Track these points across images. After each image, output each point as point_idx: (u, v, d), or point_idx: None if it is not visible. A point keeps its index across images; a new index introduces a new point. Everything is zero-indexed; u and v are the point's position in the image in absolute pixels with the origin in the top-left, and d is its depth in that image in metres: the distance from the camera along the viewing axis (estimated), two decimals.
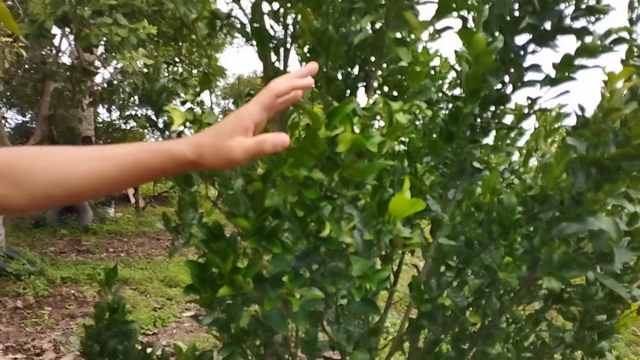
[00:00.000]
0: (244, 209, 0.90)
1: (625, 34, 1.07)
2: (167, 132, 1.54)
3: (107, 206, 9.26)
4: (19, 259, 5.35)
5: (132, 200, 10.34)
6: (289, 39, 1.37)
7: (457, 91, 1.53)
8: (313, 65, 0.77)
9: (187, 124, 1.33)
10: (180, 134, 1.47)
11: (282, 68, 1.39)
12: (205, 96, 1.67)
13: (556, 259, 1.02)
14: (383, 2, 0.95)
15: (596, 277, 1.11)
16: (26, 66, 7.61)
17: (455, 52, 1.38)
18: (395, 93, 1.38)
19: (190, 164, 0.69)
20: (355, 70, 1.21)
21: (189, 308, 4.84)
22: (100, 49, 6.14)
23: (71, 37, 6.07)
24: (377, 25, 1.09)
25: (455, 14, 1.12)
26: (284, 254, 0.88)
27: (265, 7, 1.36)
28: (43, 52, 7.33)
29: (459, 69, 1.24)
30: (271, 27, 1.37)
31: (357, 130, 0.83)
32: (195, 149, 0.69)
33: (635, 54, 1.17)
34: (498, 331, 1.27)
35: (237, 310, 1.04)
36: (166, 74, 6.74)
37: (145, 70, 4.57)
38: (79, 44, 4.64)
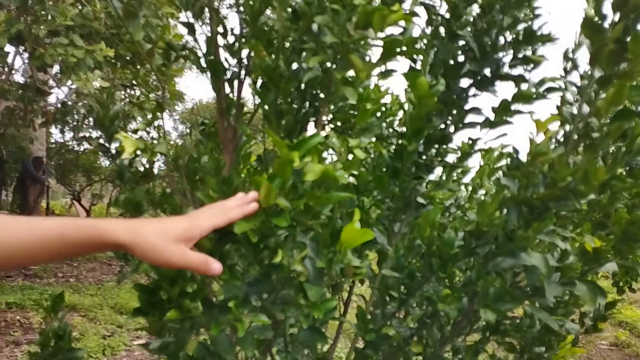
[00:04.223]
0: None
1: (557, 83, 1.15)
2: (118, 160, 1.54)
3: None
4: None
5: None
6: (243, 72, 1.40)
7: (405, 128, 1.60)
8: (255, 194, 0.82)
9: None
10: (132, 161, 1.47)
11: (235, 99, 1.42)
12: (162, 121, 1.70)
13: (492, 292, 1.07)
14: (330, 44, 0.99)
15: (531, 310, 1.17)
16: None
17: (405, 90, 1.45)
18: (345, 127, 1.43)
19: (120, 246, 0.69)
20: (306, 106, 1.25)
21: (140, 336, 4.73)
22: (55, 68, 6.05)
23: (25, 55, 5.97)
24: (327, 64, 1.14)
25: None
26: (232, 280, 0.90)
27: (221, 39, 1.39)
28: None
29: (407, 107, 1.30)
30: (225, 59, 1.40)
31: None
32: (131, 234, 0.68)
33: (570, 100, 1.25)
34: None
35: (184, 335, 1.05)
36: (123, 97, 6.67)
37: (100, 91, 4.53)
38: (33, 64, 4.57)
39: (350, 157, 1.19)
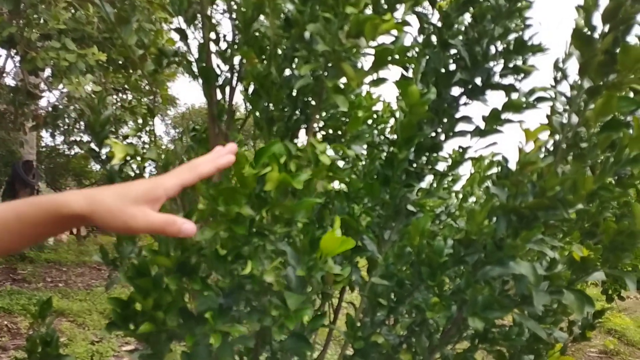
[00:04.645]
0: (164, 248, 0.91)
1: (547, 93, 1.16)
2: (109, 164, 1.53)
3: None
4: None
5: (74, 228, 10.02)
6: (234, 78, 1.40)
7: (396, 136, 1.60)
8: (233, 145, 0.77)
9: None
10: (122, 167, 1.47)
11: (226, 106, 1.42)
12: (153, 125, 1.69)
13: (480, 300, 1.08)
14: (322, 52, 1.00)
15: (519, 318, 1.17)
16: None
17: (397, 98, 1.45)
18: (336, 134, 1.44)
19: (79, 218, 0.63)
20: (297, 113, 1.25)
21: (129, 342, 4.69)
22: (47, 72, 6.02)
23: (17, 58, 5.94)
24: (319, 72, 1.14)
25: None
26: (204, 290, 0.90)
27: (213, 46, 1.39)
28: None
29: (398, 115, 1.31)
30: (218, 66, 1.40)
31: (292, 170, 0.86)
32: (88, 202, 0.63)
33: (559, 110, 1.26)
34: None
35: (161, 346, 1.04)
36: (115, 101, 6.66)
37: (93, 96, 4.52)
38: (24, 67, 4.55)
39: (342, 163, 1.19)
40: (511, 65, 1.23)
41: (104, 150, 1.51)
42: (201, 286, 0.87)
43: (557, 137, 1.10)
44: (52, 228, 0.64)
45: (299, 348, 1.06)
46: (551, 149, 1.15)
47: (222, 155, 0.75)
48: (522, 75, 1.23)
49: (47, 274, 7.08)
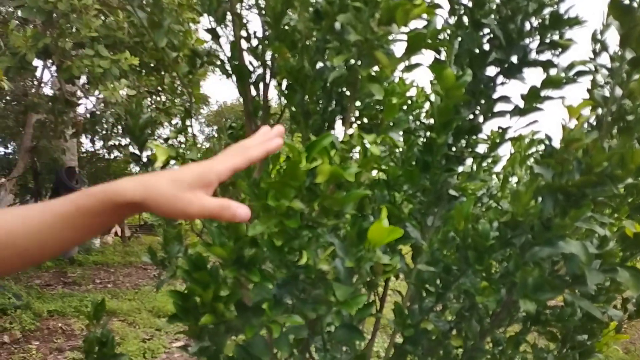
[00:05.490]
0: (219, 240, 0.93)
1: (587, 66, 1.12)
2: (150, 167, 1.56)
3: None
4: (4, 292, 5.27)
5: (119, 230, 10.27)
6: (267, 74, 1.41)
7: (433, 120, 1.58)
8: (280, 128, 0.76)
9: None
10: (164, 168, 1.49)
11: (261, 102, 1.43)
12: (188, 123, 1.72)
13: (531, 282, 1.06)
14: (354, 42, 0.99)
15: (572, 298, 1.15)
16: (7, 98, 7.60)
17: (431, 82, 1.43)
18: (373, 123, 1.43)
19: (134, 205, 0.63)
20: (332, 104, 1.25)
21: (179, 338, 4.80)
22: (83, 79, 6.16)
23: (53, 68, 6.09)
24: (352, 61, 1.14)
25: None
26: (263, 282, 0.91)
27: (244, 43, 1.40)
28: (24, 84, 7.34)
29: (433, 99, 1.29)
30: (250, 63, 1.41)
31: (336, 162, 0.86)
32: (142, 189, 0.63)
33: (601, 83, 1.22)
34: (481, 354, 1.29)
35: (221, 338, 1.06)
36: (150, 103, 6.77)
37: (128, 100, 4.60)
38: (61, 76, 4.66)
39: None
40: (548, 40, 1.20)
41: (145, 154, 1.54)
42: (260, 278, 0.88)
43: (600, 111, 1.07)
44: (109, 217, 0.64)
45: (350, 338, 1.06)
46: (594, 123, 1.12)
47: (270, 139, 0.74)
48: (560, 50, 1.20)
49: (96, 276, 7.29)
